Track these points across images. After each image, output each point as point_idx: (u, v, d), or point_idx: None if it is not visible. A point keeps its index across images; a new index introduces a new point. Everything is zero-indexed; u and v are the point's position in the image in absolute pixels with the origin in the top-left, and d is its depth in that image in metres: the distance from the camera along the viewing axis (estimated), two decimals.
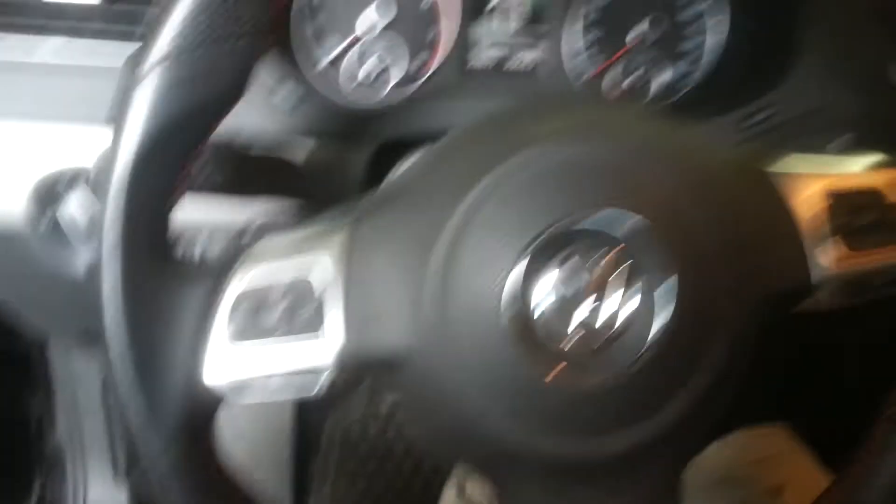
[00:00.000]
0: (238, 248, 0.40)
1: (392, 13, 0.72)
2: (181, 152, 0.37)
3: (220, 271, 0.39)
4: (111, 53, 0.62)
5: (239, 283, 0.38)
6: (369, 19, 0.71)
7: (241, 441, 1.23)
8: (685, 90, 0.74)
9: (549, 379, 0.37)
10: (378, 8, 0.71)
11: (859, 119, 0.62)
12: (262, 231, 0.43)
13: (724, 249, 0.38)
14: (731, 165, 0.42)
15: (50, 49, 0.63)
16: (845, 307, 0.42)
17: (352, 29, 0.71)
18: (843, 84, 0.63)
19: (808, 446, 0.74)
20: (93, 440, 1.05)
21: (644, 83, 0.74)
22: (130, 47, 0.61)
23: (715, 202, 0.39)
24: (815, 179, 0.41)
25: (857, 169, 0.43)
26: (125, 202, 0.36)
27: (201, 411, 0.39)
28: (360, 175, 0.65)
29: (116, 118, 0.36)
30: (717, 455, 0.76)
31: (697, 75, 0.74)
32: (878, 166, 0.42)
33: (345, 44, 0.71)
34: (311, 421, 1.24)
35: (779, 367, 0.80)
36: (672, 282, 0.37)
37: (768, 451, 0.75)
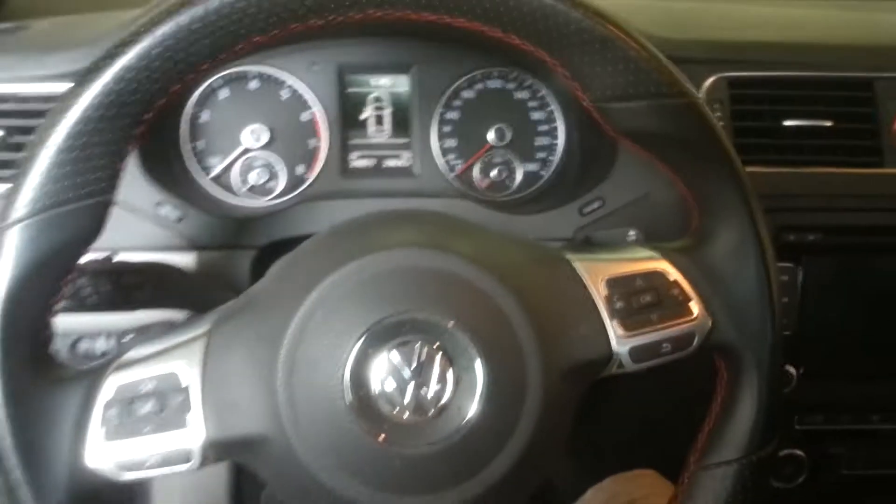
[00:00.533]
0: (111, 356, 0.47)
1: (275, 126, 0.81)
2: (45, 286, 0.44)
3: (94, 376, 0.45)
4: None
5: (110, 388, 0.45)
6: (254, 132, 0.80)
7: None
8: (541, 182, 0.85)
9: (383, 440, 0.44)
10: (262, 122, 0.80)
11: (665, 208, 0.73)
12: (133, 339, 0.49)
13: (530, 331, 0.46)
14: (538, 258, 0.50)
15: None
16: (644, 370, 0.51)
17: (238, 142, 0.80)
18: (653, 180, 0.74)
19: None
20: None
21: (507, 176, 0.85)
22: None
23: (521, 292, 0.46)
24: (608, 266, 0.50)
25: (643, 256, 0.51)
26: (1, 328, 0.42)
27: (87, 492, 0.45)
28: (245, 278, 0.72)
29: None
30: (592, 499, 0.84)
31: (550, 170, 0.85)
32: (663, 253, 0.51)
33: (234, 154, 0.80)
34: (246, 492, 1.27)
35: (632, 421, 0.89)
36: (478, 366, 0.45)
37: (638, 493, 0.83)
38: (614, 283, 0.49)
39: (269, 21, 0.43)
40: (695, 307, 0.50)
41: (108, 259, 0.56)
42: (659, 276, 0.50)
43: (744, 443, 0.51)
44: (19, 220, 0.42)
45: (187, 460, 0.45)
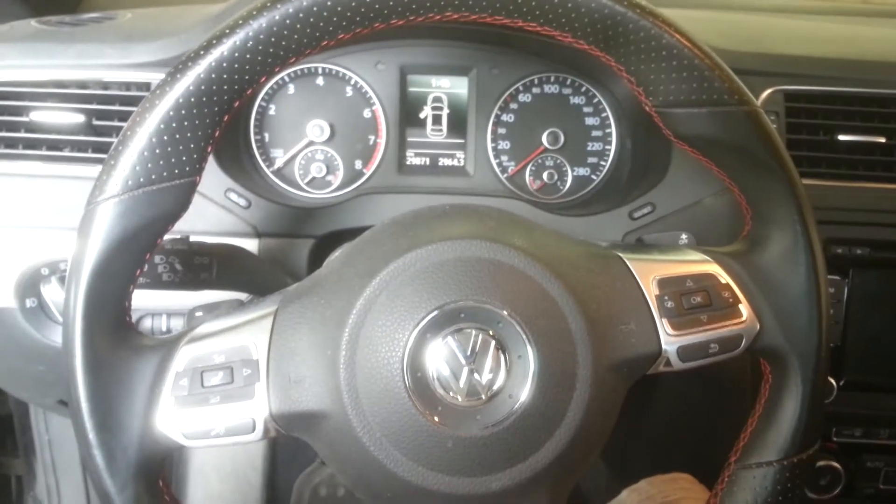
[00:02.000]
0: (184, 329, 0.50)
1: (337, 122, 0.84)
2: (130, 259, 0.47)
3: (168, 347, 0.48)
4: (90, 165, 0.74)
5: (182, 359, 0.48)
6: (318, 126, 0.83)
7: (212, 500, 1.30)
8: (592, 186, 0.87)
9: (437, 422, 0.46)
10: (325, 117, 0.84)
11: (716, 216, 0.75)
12: (203, 315, 0.52)
13: (581, 324, 0.47)
14: (591, 254, 0.52)
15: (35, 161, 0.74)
16: (693, 368, 0.53)
17: (301, 136, 0.84)
18: (705, 187, 0.76)
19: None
20: (70, 495, 1.12)
21: (558, 180, 0.87)
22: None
23: (575, 286, 0.48)
24: (660, 266, 0.52)
25: (695, 258, 0.53)
26: (86, 294, 0.46)
27: (153, 457, 0.48)
28: (303, 266, 0.75)
29: (81, 232, 0.46)
30: (627, 499, 0.85)
31: (601, 175, 0.87)
32: (714, 256, 0.53)
33: (298, 147, 0.84)
34: (280, 480, 1.31)
35: (659, 422, 0.90)
36: (530, 355, 0.47)
37: (674, 496, 0.84)
38: (665, 283, 0.51)
39: (356, 20, 0.45)
40: (744, 310, 0.51)
41: (184, 239, 0.60)
42: (710, 278, 0.52)
43: (786, 445, 0.52)
44: (113, 196, 0.45)
45: (250, 431, 0.47)
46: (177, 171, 0.46)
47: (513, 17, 0.47)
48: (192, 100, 0.45)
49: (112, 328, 0.48)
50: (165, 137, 0.46)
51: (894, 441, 0.84)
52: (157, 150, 0.46)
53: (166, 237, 0.50)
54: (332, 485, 1.30)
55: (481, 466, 0.47)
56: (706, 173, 0.76)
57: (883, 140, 0.78)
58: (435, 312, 0.47)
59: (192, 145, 0.46)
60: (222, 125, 0.47)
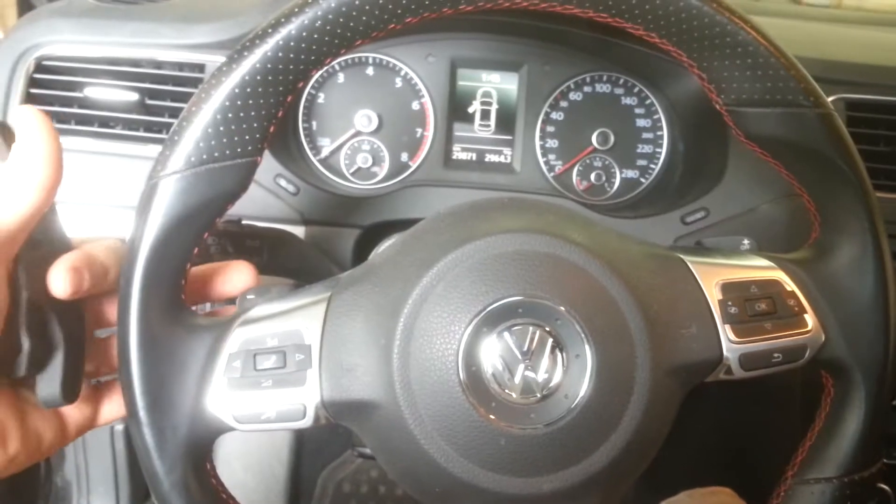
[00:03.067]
0: (237, 311, 0.49)
1: (385, 112, 0.83)
2: (189, 237, 0.46)
3: (221, 328, 0.48)
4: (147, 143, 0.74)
5: (236, 341, 0.47)
6: (366, 116, 0.83)
7: (237, 489, 1.30)
8: (640, 189, 0.86)
9: (490, 418, 0.44)
10: (373, 107, 0.83)
11: (772, 223, 0.73)
12: (255, 299, 0.51)
13: (641, 324, 0.46)
14: (653, 254, 0.51)
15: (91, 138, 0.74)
16: (753, 377, 0.51)
17: (349, 125, 0.83)
18: (762, 194, 0.74)
19: None
20: (98, 476, 1.12)
21: (606, 181, 0.85)
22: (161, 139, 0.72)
23: (636, 285, 0.47)
24: (723, 270, 0.50)
25: (760, 265, 0.51)
26: (144, 270, 0.45)
27: (202, 439, 0.47)
28: (347, 255, 0.75)
29: (141, 208, 0.46)
30: None
31: (650, 177, 0.85)
32: (779, 263, 0.51)
33: (345, 137, 0.83)
34: (304, 473, 1.31)
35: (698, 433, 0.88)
36: (588, 354, 0.46)
37: None
38: (729, 288, 0.50)
39: (425, 3, 0.45)
40: (809, 320, 0.50)
41: (237, 221, 0.59)
42: (775, 285, 0.50)
43: (847, 461, 0.50)
44: (175, 172, 0.45)
45: (301, 418, 0.47)
46: (239, 149, 0.46)
47: (583, 7, 0.46)
48: (258, 78, 0.45)
49: (167, 306, 0.47)
50: (230, 115, 0.45)
51: None
52: (221, 128, 0.45)
53: (224, 220, 0.49)
54: (356, 481, 1.30)
55: (533, 466, 0.46)
56: (764, 180, 0.75)
57: None
58: (492, 306, 0.46)
59: (255, 124, 0.46)
60: (285, 105, 0.46)
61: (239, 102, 0.45)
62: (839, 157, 0.48)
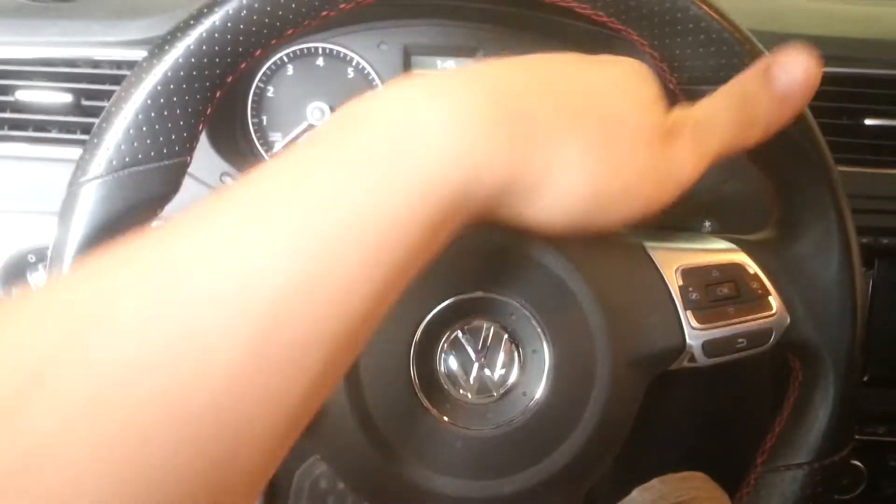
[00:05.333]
0: None
1: (338, 104, 0.81)
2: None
3: None
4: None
5: None
6: (318, 109, 0.80)
7: None
8: None
9: (445, 420, 0.43)
10: (326, 100, 0.80)
11: (735, 203, 0.71)
12: None
13: (600, 317, 0.45)
14: (611, 242, 0.49)
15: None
16: (718, 365, 0.49)
17: (301, 119, 0.80)
18: (725, 173, 0.72)
19: (727, 490, 0.81)
20: None
21: None
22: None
23: (593, 276, 0.45)
24: (684, 255, 0.49)
25: (721, 247, 0.50)
26: None
27: None
28: None
29: (63, 215, 0.43)
30: (638, 498, 0.82)
31: None
32: (742, 245, 0.50)
33: (298, 131, 0.80)
34: (279, 470, 1.28)
35: (681, 419, 0.87)
36: (546, 350, 0.44)
37: (686, 496, 0.81)
38: (690, 273, 0.48)
39: None
40: (774, 302, 0.48)
41: None
42: (737, 268, 0.48)
43: (817, 446, 0.49)
44: (96, 177, 0.42)
45: None
46: (165, 150, 0.43)
47: None
48: (182, 74, 0.42)
49: None
50: (153, 114, 0.42)
51: None
52: (144, 128, 0.42)
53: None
54: (333, 477, 1.28)
55: (492, 468, 0.44)
56: (726, 160, 0.73)
57: None
58: (444, 304, 0.44)
59: (181, 123, 0.43)
60: (214, 102, 0.44)
61: (162, 100, 0.42)
62: (797, 131, 0.47)
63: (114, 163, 0.42)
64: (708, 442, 0.87)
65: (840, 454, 0.50)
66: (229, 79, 0.44)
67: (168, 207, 0.45)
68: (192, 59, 0.42)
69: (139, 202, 0.43)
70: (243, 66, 0.44)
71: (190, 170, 0.69)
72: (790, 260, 0.49)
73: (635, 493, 0.83)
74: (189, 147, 0.44)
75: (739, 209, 0.71)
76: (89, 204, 0.42)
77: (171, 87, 0.42)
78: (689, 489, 0.82)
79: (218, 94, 0.44)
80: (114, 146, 0.42)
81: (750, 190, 0.71)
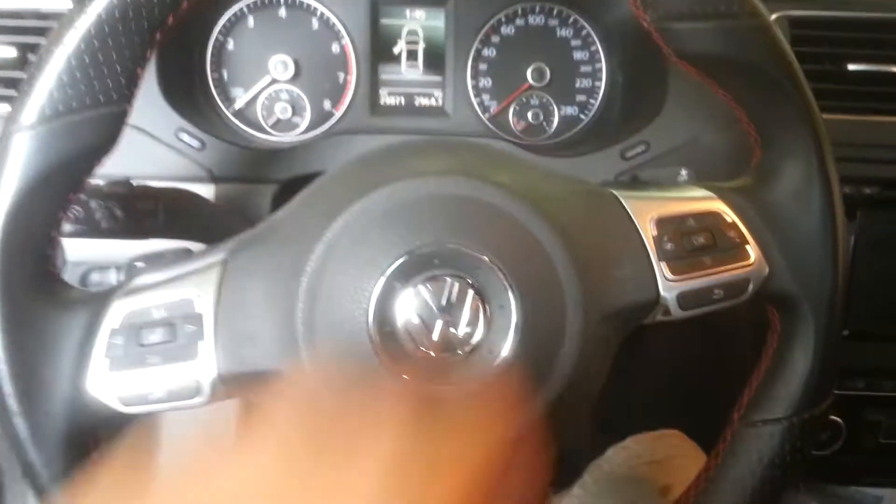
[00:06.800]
0: (119, 282, 0.44)
1: (302, 57, 0.77)
2: (51, 200, 0.41)
3: (100, 301, 0.43)
4: None
5: (117, 315, 0.42)
6: (281, 63, 0.76)
7: None
8: (580, 126, 0.81)
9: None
10: (290, 52, 0.77)
11: (714, 154, 0.69)
12: (144, 267, 0.46)
13: (571, 270, 0.42)
14: (582, 193, 0.47)
15: None
16: (694, 317, 0.47)
17: (263, 73, 0.76)
18: (703, 123, 0.70)
19: (703, 448, 0.80)
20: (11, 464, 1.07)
21: (544, 119, 0.81)
22: None
23: (564, 228, 0.43)
24: (658, 204, 0.46)
25: (697, 196, 0.47)
26: (3, 241, 0.40)
27: (85, 426, 0.43)
28: (265, 214, 0.69)
29: None
30: (614, 457, 0.81)
31: (590, 113, 0.81)
32: (719, 193, 0.47)
33: (260, 86, 0.77)
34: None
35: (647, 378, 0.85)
36: (513, 305, 0.42)
37: (661, 454, 0.80)
38: (664, 223, 0.46)
39: None
40: (751, 251, 0.46)
41: (124, 182, 0.53)
42: (714, 216, 0.46)
43: (796, 401, 0.47)
44: (28, 127, 0.39)
45: (196, 395, 0.42)
46: (101, 97, 0.40)
47: None
48: (116, 14, 0.39)
49: (34, 279, 0.42)
50: (87, 58, 0.39)
51: None
52: (78, 74, 0.39)
53: (105, 180, 0.44)
54: None
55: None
56: (705, 109, 0.71)
57: None
58: (405, 257, 0.41)
59: (118, 67, 0.40)
60: (153, 45, 0.41)
61: (96, 43, 0.39)
62: (778, 70, 0.44)
63: (46, 111, 0.39)
64: (683, 400, 0.86)
65: (819, 408, 0.48)
66: (169, 19, 0.40)
67: (124, 163, 0.43)
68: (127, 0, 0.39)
69: (74, 154, 0.40)
70: (184, 4, 0.40)
71: (144, 126, 0.66)
72: (769, 207, 0.47)
73: (610, 453, 0.82)
74: (128, 95, 0.41)
75: (721, 159, 0.69)
76: (21, 156, 0.39)
77: (106, 28, 0.39)
78: (664, 447, 0.81)
79: (158, 37, 0.41)
80: (46, 93, 0.39)
81: (732, 139, 0.68)
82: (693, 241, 0.46)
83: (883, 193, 0.72)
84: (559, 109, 0.81)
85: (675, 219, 0.46)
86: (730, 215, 0.46)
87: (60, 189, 0.41)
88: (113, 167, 0.43)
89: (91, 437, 0.43)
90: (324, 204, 0.44)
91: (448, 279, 0.42)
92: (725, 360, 0.78)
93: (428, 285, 0.42)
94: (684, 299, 0.45)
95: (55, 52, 0.39)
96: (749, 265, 0.46)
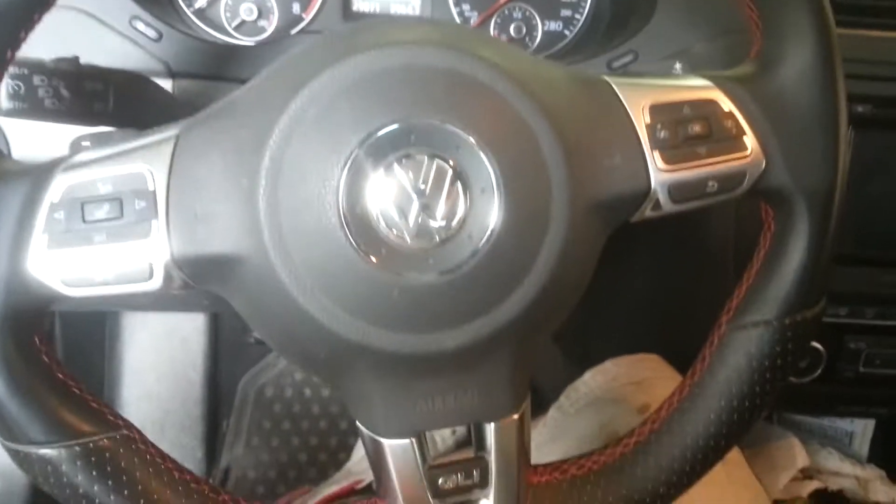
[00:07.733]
0: (63, 156, 0.40)
1: None
2: None
3: (39, 173, 0.39)
4: None
5: (58, 188, 0.38)
6: None
7: (149, 400, 1.23)
8: (565, 42, 0.78)
9: (379, 265, 0.38)
10: None
11: (705, 64, 0.66)
12: (91, 146, 0.42)
13: (558, 154, 0.39)
14: (573, 76, 0.44)
15: None
16: (685, 212, 0.44)
17: None
18: (694, 32, 0.67)
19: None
20: None
21: (526, 34, 0.77)
22: None
23: (552, 110, 0.40)
24: (653, 92, 0.43)
25: (694, 84, 0.45)
26: None
27: (24, 308, 0.39)
28: None
29: None
30: (591, 380, 0.80)
31: (575, 29, 0.78)
32: (716, 81, 0.44)
33: None
34: (223, 380, 1.24)
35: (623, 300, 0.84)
36: (495, 189, 0.38)
37: (640, 376, 0.79)
38: (659, 111, 0.43)
39: None
40: (749, 142, 0.43)
41: (71, 60, 0.49)
42: (711, 105, 0.43)
43: (788, 300, 0.45)
44: None
45: (147, 278, 0.39)
46: None
47: None
48: None
49: None
50: None
51: (880, 321, 0.79)
52: None
53: (51, 56, 0.39)
54: (279, 385, 1.24)
55: (434, 320, 0.39)
56: (696, 18, 0.68)
57: None
58: (378, 133, 0.38)
59: None
60: None
61: None
62: None
63: None
64: (664, 324, 0.84)
65: (812, 310, 0.46)
66: None
67: (75, 51, 0.38)
68: None
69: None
70: None
71: (95, 12, 0.61)
72: (768, 95, 0.44)
73: (588, 376, 0.81)
74: None
75: (708, 68, 0.66)
76: None
77: None
78: (643, 370, 0.80)
79: None
80: None
81: (723, 49, 0.65)
82: (688, 130, 0.43)
83: (876, 112, 0.69)
84: (543, 24, 0.77)
85: (670, 106, 0.43)
86: (727, 104, 0.44)
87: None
88: (60, 54, 0.39)
89: (32, 320, 0.40)
90: (289, 75, 0.40)
91: (425, 158, 0.38)
92: (707, 282, 0.76)
93: (403, 164, 0.38)
94: (676, 191, 0.43)
95: None
96: (745, 157, 0.43)
